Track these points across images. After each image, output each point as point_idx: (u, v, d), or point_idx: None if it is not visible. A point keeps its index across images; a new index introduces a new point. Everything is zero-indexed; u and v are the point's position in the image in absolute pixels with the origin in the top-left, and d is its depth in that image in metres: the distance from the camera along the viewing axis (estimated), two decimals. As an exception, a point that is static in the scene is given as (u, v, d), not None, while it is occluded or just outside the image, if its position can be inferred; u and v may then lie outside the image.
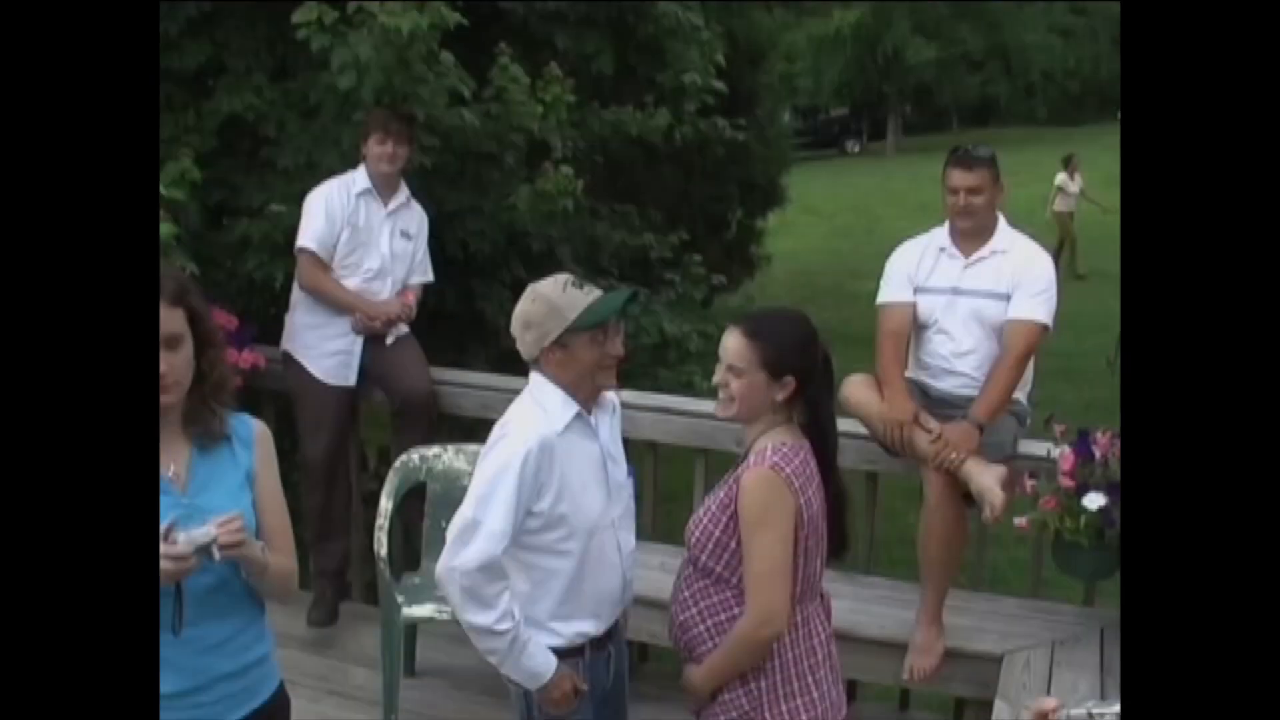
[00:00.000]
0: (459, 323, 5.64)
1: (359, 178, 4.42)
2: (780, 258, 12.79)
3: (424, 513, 4.19)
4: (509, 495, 2.58)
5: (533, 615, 2.71)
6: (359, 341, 4.42)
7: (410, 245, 4.51)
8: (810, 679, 2.66)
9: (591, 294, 2.66)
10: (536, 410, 2.68)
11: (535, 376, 2.74)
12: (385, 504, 3.98)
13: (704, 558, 2.64)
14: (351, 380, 4.45)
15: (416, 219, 4.55)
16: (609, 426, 2.82)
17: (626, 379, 6.17)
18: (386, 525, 3.93)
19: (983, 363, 3.77)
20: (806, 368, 2.62)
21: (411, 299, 4.48)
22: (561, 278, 2.70)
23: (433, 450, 4.16)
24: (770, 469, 2.55)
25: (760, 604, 2.57)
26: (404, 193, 4.49)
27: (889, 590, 4.11)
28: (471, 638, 2.68)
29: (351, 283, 4.39)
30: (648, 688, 3.85)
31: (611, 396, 2.86)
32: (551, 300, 2.66)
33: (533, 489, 2.61)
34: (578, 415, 2.69)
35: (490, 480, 2.60)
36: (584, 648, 2.78)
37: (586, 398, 2.71)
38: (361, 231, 4.37)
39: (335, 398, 4.43)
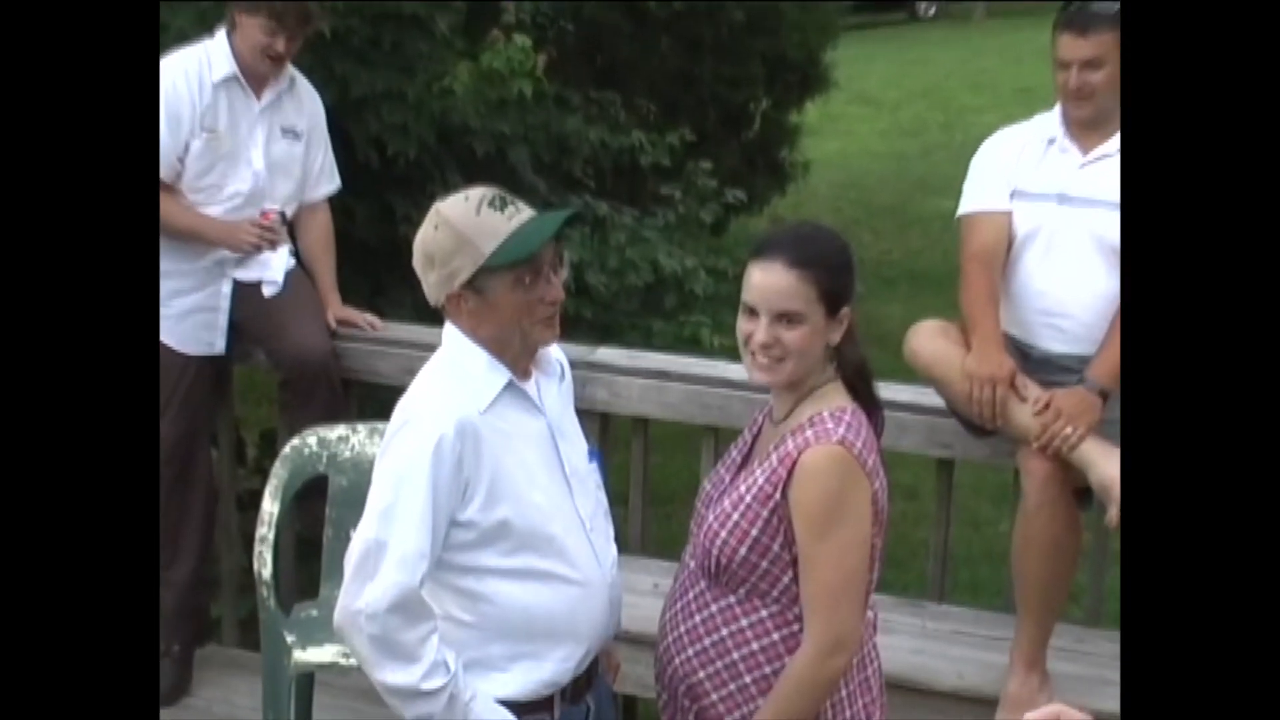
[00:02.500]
0: (372, 254, 5.63)
1: (217, 57, 4.30)
2: (823, 165, 12.72)
3: (324, 518, 4.19)
4: (420, 503, 2.60)
5: (481, 659, 2.73)
6: (225, 293, 4.40)
7: (299, 147, 4.45)
8: (854, 709, 2.74)
9: (517, 217, 2.67)
10: (450, 381, 2.69)
11: (449, 332, 2.75)
12: (270, 507, 3.98)
13: (735, 566, 2.68)
14: (218, 346, 4.43)
15: (306, 109, 4.48)
16: (557, 395, 2.84)
17: (608, 333, 6.25)
18: (271, 537, 3.93)
19: (1103, 304, 3.76)
20: (853, 294, 2.71)
21: (272, 216, 4.41)
22: (476, 194, 2.70)
23: (336, 431, 4.17)
24: (840, 445, 2.61)
25: (829, 626, 2.63)
26: (286, 77, 4.43)
27: (969, 624, 4.13)
28: (390, 703, 2.69)
29: (213, 212, 4.36)
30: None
31: (555, 354, 2.88)
32: (459, 227, 2.66)
33: (452, 490, 2.63)
34: (509, 385, 2.71)
35: (393, 485, 2.62)
36: (552, 701, 2.80)
37: (516, 359, 2.73)
38: (222, 138, 4.31)
39: (194, 369, 4.41)
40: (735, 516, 2.68)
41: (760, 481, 2.67)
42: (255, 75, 4.32)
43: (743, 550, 2.67)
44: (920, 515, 6.90)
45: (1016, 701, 3.71)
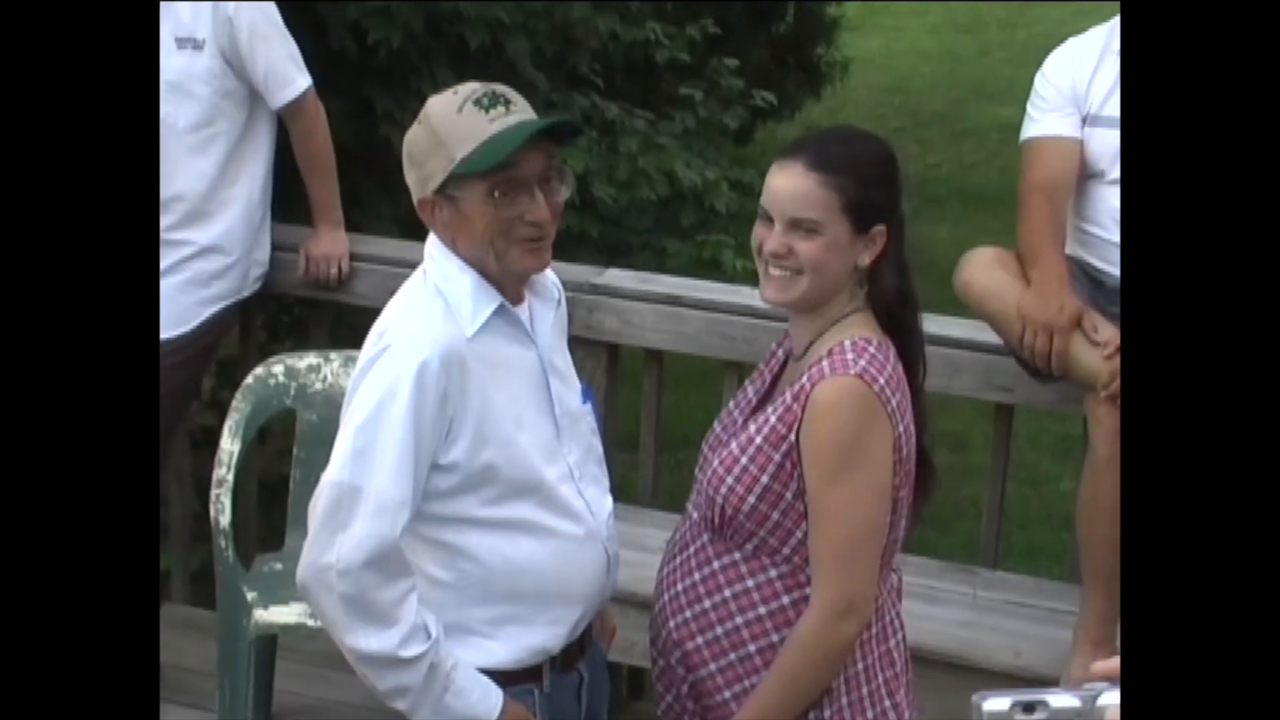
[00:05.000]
0: (349, 158, 5.58)
1: None
2: (864, 66, 12.70)
3: (291, 459, 4.18)
4: (399, 442, 2.59)
5: (459, 622, 2.73)
6: None
7: (202, 59, 4.35)
8: (888, 702, 2.74)
9: (501, 119, 2.63)
10: (433, 302, 2.68)
11: (432, 246, 2.75)
12: (229, 446, 3.98)
13: (741, 518, 2.68)
14: None
15: (209, 3, 4.22)
16: (550, 326, 2.83)
17: (616, 253, 6.22)
18: (230, 480, 3.93)
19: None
20: (897, 213, 2.70)
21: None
22: (466, 90, 2.68)
23: (305, 360, 4.17)
24: (858, 378, 2.59)
25: (840, 586, 2.63)
26: None
27: (1028, 594, 4.13)
28: (362, 672, 2.69)
29: None
30: (642, 736, 3.92)
31: (550, 279, 2.86)
32: (436, 125, 2.66)
33: (436, 429, 2.62)
34: (500, 309, 2.69)
35: (368, 421, 2.61)
36: (540, 670, 2.80)
37: (502, 278, 2.70)
38: None
39: None
40: (744, 461, 2.68)
41: (773, 421, 2.67)
42: None
43: (751, 499, 2.67)
44: (968, 469, 6.90)
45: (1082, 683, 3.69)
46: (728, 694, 2.73)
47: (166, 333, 4.24)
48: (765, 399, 2.83)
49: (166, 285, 4.24)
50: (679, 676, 2.79)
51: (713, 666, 2.74)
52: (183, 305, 4.31)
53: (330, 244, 4.52)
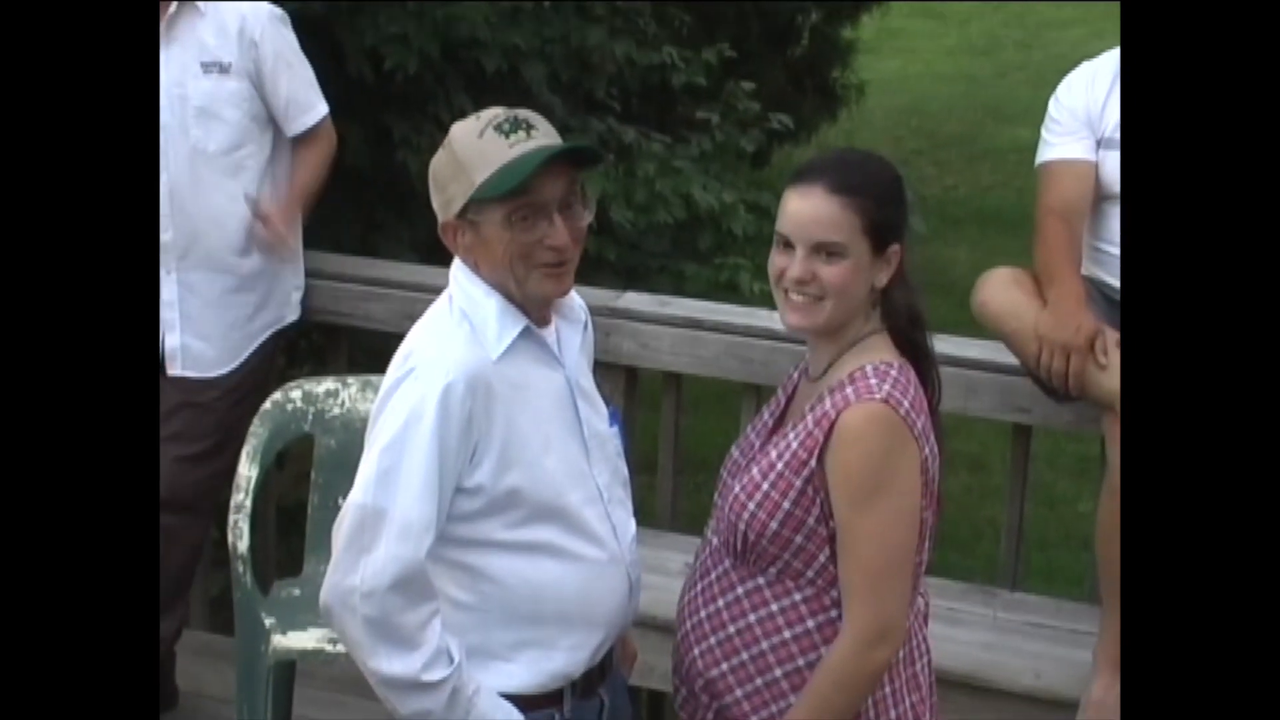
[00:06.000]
0: (366, 184, 5.63)
1: None
2: (880, 88, 12.68)
3: (310, 484, 4.19)
4: (424, 465, 2.60)
5: (481, 645, 2.73)
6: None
7: (229, 83, 4.37)
8: (905, 706, 2.74)
9: (521, 144, 2.64)
10: (459, 325, 2.69)
11: (457, 270, 2.75)
12: (247, 471, 3.98)
13: (764, 543, 2.68)
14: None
15: (234, 28, 4.27)
16: (577, 349, 2.83)
17: (634, 276, 6.23)
18: (248, 505, 3.93)
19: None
20: (904, 230, 2.70)
21: (269, 209, 4.26)
22: (489, 115, 2.69)
23: (323, 385, 4.17)
24: (884, 403, 2.60)
25: (872, 612, 2.62)
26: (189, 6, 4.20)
27: (1048, 615, 4.13)
28: (383, 695, 2.69)
29: None
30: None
31: (577, 302, 2.87)
32: (458, 150, 2.67)
33: (461, 452, 2.63)
34: (525, 332, 2.70)
35: (393, 443, 2.61)
36: (561, 695, 2.80)
37: (525, 302, 2.71)
38: None
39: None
40: (765, 486, 2.67)
41: (794, 446, 2.67)
42: None
43: (773, 525, 2.66)
44: (986, 490, 6.89)
45: (1100, 709, 3.70)
46: (734, 698, 2.73)
47: (217, 370, 4.29)
48: (781, 421, 2.83)
49: (219, 322, 4.28)
50: (703, 704, 2.79)
51: (739, 693, 2.74)
52: (233, 340, 4.33)
53: (287, 220, 4.39)
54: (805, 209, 2.65)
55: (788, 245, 2.66)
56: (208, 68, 4.24)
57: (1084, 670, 3.76)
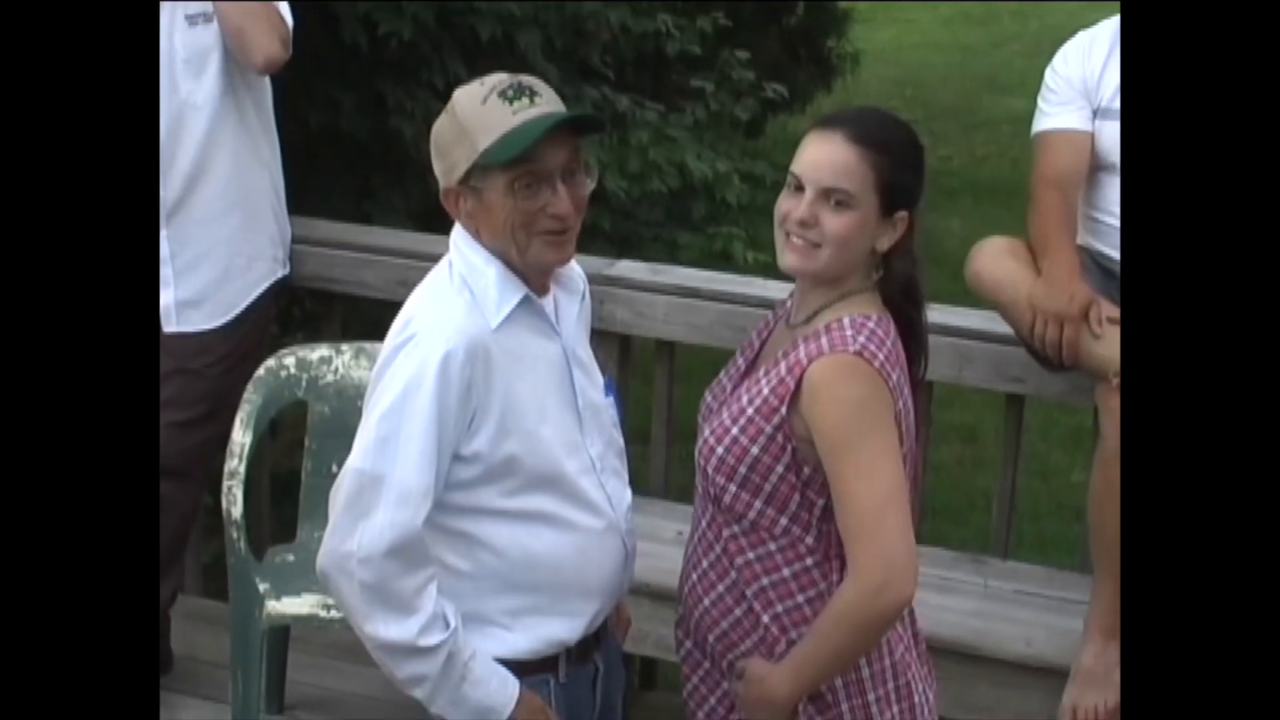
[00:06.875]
0: (361, 151, 5.62)
1: None
2: (876, 58, 12.68)
3: (303, 451, 4.19)
4: (423, 431, 2.60)
5: (477, 612, 2.74)
6: None
7: (212, 29, 4.27)
8: (906, 677, 2.76)
9: (524, 112, 2.63)
10: (458, 293, 2.69)
11: (457, 237, 2.75)
12: (240, 438, 3.98)
13: (734, 489, 2.69)
14: None
15: None
16: (574, 319, 2.83)
17: (627, 245, 6.22)
18: (242, 471, 3.93)
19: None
20: (919, 202, 2.71)
21: None
22: (492, 81, 2.68)
23: (317, 352, 4.17)
24: (856, 356, 2.60)
25: (875, 550, 2.61)
26: None
27: (1039, 583, 4.13)
28: (380, 660, 2.70)
29: None
30: (656, 726, 3.92)
31: (576, 271, 2.87)
32: (461, 116, 2.66)
33: (460, 419, 2.63)
34: (525, 300, 2.70)
35: (392, 410, 2.62)
36: (557, 660, 2.81)
37: (526, 270, 2.71)
38: None
39: None
40: (734, 431, 2.68)
41: (765, 392, 2.67)
42: None
43: (742, 469, 2.67)
44: (979, 461, 6.90)
45: (1090, 676, 3.71)
46: (738, 653, 2.76)
47: (213, 323, 4.27)
48: (754, 364, 2.83)
49: (211, 273, 4.26)
50: (718, 652, 2.80)
51: (741, 649, 2.76)
52: (227, 293, 4.31)
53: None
54: (822, 152, 2.65)
55: (799, 188, 2.66)
56: (192, 20, 4.21)
57: (1074, 638, 3.76)
